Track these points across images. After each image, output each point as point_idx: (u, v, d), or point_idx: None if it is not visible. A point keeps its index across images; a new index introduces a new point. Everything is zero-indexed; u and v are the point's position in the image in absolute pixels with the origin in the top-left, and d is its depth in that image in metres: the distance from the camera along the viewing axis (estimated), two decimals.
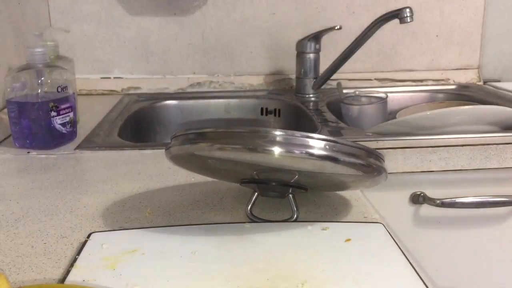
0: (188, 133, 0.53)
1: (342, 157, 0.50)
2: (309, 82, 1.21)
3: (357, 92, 1.17)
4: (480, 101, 1.18)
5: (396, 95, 1.27)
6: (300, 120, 1.16)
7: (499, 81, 1.34)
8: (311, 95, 1.22)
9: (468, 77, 1.34)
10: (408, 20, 1.01)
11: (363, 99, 1.16)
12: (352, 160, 0.50)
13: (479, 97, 1.22)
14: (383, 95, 1.13)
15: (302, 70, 1.22)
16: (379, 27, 1.06)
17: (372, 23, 1.07)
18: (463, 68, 1.34)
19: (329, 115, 1.06)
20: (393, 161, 0.84)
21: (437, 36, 1.32)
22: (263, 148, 0.48)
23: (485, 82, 1.34)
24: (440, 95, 1.28)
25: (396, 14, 1.01)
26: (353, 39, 1.11)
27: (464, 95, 1.26)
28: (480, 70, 1.34)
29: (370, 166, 0.52)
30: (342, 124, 1.01)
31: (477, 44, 1.33)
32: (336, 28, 1.13)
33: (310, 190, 0.60)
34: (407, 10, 1.01)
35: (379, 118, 1.12)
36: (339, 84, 1.17)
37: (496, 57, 1.34)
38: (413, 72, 1.33)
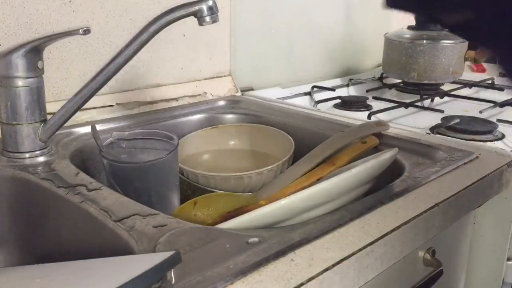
0: None
1: None
2: (32, 130, 0.69)
3: (116, 136, 0.73)
4: (267, 122, 0.89)
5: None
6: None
7: (252, 89, 1.11)
8: (37, 153, 0.70)
9: (225, 87, 1.04)
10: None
11: (133, 144, 0.73)
12: None
13: (259, 114, 0.93)
14: (170, 136, 0.72)
15: (9, 112, 0.68)
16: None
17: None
18: (216, 77, 1.04)
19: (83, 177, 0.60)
20: None
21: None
22: None
23: (242, 92, 1.08)
24: (203, 115, 0.95)
25: None
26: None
27: (243, 113, 0.96)
28: (233, 78, 1.07)
29: None
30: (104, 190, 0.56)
31: (226, 50, 1.05)
32: (80, 32, 0.64)
33: None
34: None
35: (167, 174, 0.71)
36: (93, 128, 0.69)
37: (246, 64, 1.10)
38: (161, 87, 0.95)
